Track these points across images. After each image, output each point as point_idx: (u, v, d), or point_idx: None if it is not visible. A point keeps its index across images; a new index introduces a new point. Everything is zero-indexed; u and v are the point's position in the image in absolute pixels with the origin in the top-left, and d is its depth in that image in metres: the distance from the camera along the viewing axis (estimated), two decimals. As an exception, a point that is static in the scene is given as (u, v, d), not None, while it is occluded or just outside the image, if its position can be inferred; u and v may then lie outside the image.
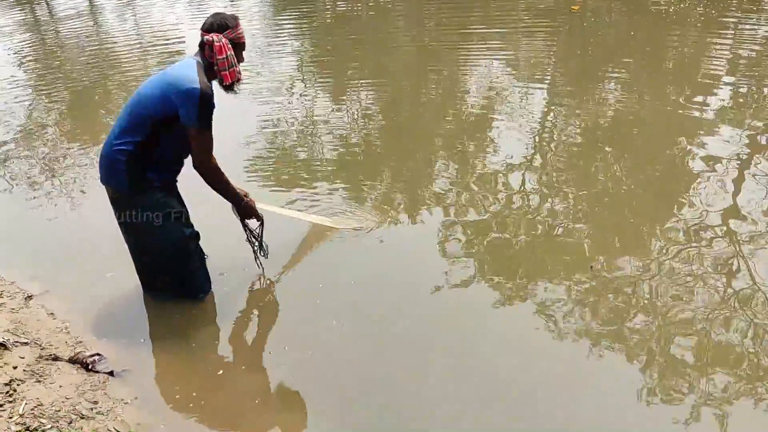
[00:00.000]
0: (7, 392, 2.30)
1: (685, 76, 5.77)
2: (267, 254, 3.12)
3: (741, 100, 5.13)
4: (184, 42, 7.90)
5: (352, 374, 2.59)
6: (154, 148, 2.62)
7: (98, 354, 2.61)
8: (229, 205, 2.89)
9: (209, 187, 2.78)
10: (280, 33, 8.26)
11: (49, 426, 2.17)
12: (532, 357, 2.61)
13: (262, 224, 3.04)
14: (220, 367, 2.64)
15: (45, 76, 7.03)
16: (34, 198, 4.15)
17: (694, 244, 3.22)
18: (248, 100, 5.48)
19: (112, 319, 2.94)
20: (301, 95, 5.86)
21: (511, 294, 2.98)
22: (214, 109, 2.60)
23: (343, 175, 4.21)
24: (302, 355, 2.67)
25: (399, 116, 5.34)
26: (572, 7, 8.03)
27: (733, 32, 6.97)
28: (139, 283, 2.98)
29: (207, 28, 2.64)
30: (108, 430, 2.23)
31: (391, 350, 2.69)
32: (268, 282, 3.17)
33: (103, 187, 2.76)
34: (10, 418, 2.18)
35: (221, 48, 2.60)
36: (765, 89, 5.34)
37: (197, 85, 2.52)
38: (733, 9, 7.85)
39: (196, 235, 2.87)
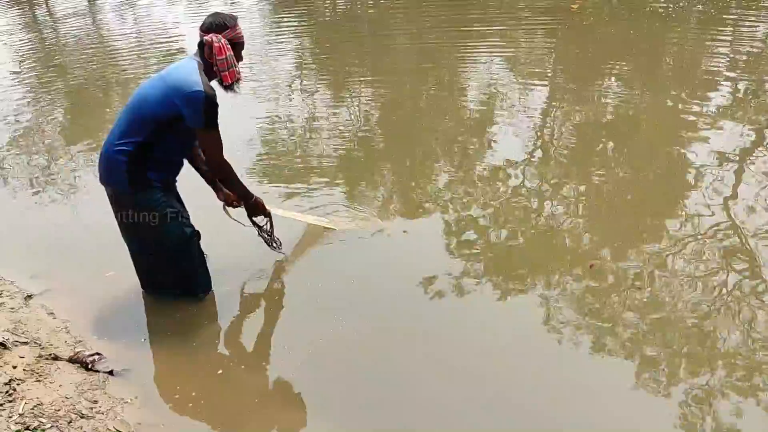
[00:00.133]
0: (7, 392, 2.30)
1: (685, 74, 5.77)
2: (280, 246, 3.18)
3: (741, 96, 5.13)
4: (185, 40, 7.90)
5: (352, 374, 2.59)
6: (154, 148, 2.62)
7: (98, 353, 2.61)
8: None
9: (209, 187, 2.78)
10: (279, 32, 8.25)
11: (48, 425, 2.18)
12: (532, 357, 2.61)
13: (270, 220, 3.08)
14: (220, 367, 2.65)
15: (44, 75, 7.02)
16: (34, 197, 4.15)
17: (694, 242, 3.22)
18: (247, 99, 5.46)
19: (112, 318, 2.94)
20: (300, 93, 5.86)
21: (511, 294, 2.99)
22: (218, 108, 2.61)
23: (343, 173, 4.22)
24: (302, 354, 2.67)
25: (398, 114, 5.33)
26: (572, 5, 8.02)
27: (732, 30, 6.97)
28: (139, 282, 2.98)
29: (206, 29, 2.64)
30: (108, 429, 2.23)
31: (392, 350, 2.69)
32: (268, 282, 3.18)
33: (103, 186, 2.77)
34: (10, 417, 2.18)
35: (221, 49, 2.60)
36: (766, 85, 5.35)
37: (200, 88, 2.52)
38: (733, 7, 7.85)
39: (197, 235, 2.87)
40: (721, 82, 5.39)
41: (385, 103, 5.59)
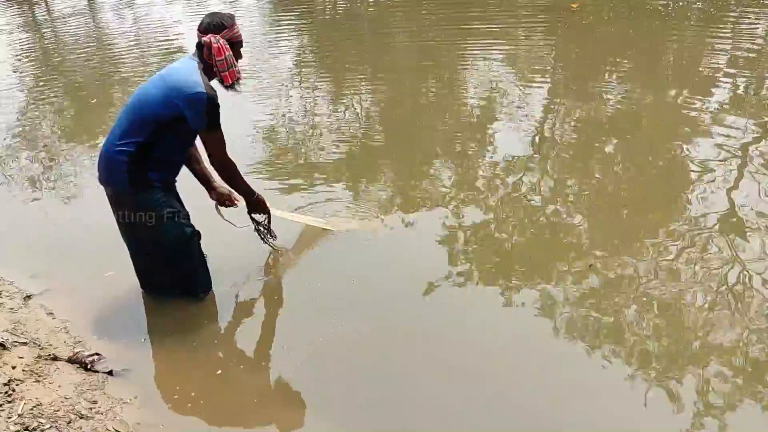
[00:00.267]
0: (6, 392, 2.29)
1: (685, 72, 5.76)
2: (275, 239, 3.21)
3: (742, 93, 5.12)
4: (184, 39, 7.89)
5: (352, 374, 2.58)
6: (155, 149, 2.62)
7: (97, 353, 2.61)
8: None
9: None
10: (279, 30, 8.24)
11: (48, 426, 2.17)
12: (532, 357, 2.61)
13: (269, 217, 3.11)
14: (219, 367, 2.64)
15: (43, 75, 7.02)
16: (33, 197, 4.15)
17: (696, 240, 3.21)
18: (247, 98, 5.45)
19: (111, 318, 2.94)
20: (300, 92, 5.85)
21: (511, 293, 2.98)
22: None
23: (342, 172, 4.21)
24: (302, 354, 2.66)
25: (398, 113, 5.33)
26: (572, 4, 8.01)
27: (732, 27, 6.96)
28: (138, 282, 2.98)
29: (204, 29, 2.63)
30: (107, 429, 2.23)
31: (392, 350, 2.68)
32: (268, 282, 3.18)
33: (102, 186, 2.76)
34: (9, 418, 2.18)
35: (219, 49, 2.60)
36: (766, 82, 5.34)
37: (202, 89, 2.52)
38: (732, 5, 7.84)
39: (198, 234, 2.87)
40: (721, 80, 5.38)
41: (385, 101, 5.59)
